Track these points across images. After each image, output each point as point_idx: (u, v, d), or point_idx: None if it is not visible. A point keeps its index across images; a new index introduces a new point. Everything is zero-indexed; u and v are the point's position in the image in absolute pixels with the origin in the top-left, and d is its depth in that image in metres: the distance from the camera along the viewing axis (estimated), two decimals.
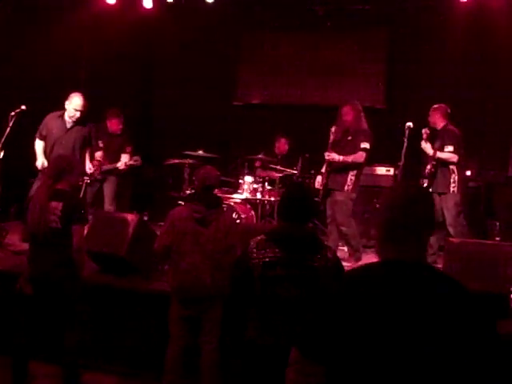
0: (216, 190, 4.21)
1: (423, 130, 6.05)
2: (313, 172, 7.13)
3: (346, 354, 1.74)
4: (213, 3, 8.12)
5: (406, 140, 5.82)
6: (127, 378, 4.74)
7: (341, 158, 6.03)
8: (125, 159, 7.02)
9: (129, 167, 7.01)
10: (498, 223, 7.00)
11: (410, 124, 5.86)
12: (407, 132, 5.83)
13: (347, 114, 6.09)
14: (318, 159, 6.58)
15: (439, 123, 6.13)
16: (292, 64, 9.01)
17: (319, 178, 6.34)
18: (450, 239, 5.04)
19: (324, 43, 8.90)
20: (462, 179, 6.15)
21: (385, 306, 1.71)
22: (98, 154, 6.63)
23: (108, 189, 7.10)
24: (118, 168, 7.00)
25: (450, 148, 5.95)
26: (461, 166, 6.06)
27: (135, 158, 6.99)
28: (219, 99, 9.08)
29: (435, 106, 6.19)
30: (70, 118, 6.14)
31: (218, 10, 8.34)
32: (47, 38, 8.01)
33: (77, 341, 3.95)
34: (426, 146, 6.05)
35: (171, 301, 4.05)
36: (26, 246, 4.02)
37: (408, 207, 1.82)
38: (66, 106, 6.14)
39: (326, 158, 6.12)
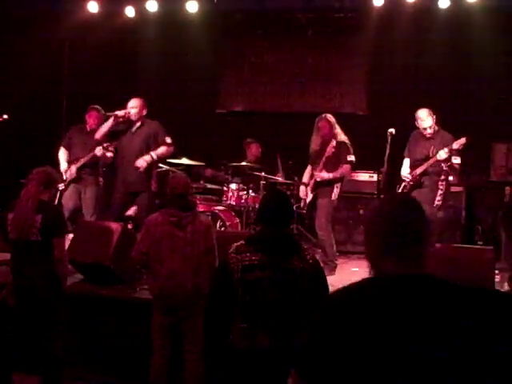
0: (198, 198, 4.21)
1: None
2: (296, 179, 7.14)
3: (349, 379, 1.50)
4: (195, 11, 8.16)
5: (388, 146, 5.85)
6: None
7: (330, 175, 6.05)
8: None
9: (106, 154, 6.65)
10: (480, 227, 7.06)
11: (392, 130, 5.88)
12: (389, 138, 5.85)
13: (324, 127, 6.11)
14: (302, 166, 6.61)
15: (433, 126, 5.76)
16: (275, 71, 9.04)
17: (303, 188, 6.36)
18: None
19: (307, 50, 8.93)
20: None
21: (399, 327, 1.49)
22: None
23: (87, 197, 6.68)
24: (97, 161, 6.67)
25: (458, 160, 5.65)
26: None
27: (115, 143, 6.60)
28: (202, 107, 9.08)
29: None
30: None
31: (200, 18, 8.37)
32: (30, 47, 8.00)
33: (60, 351, 3.92)
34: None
35: (153, 310, 4.04)
36: (5, 255, 3.96)
37: (405, 215, 1.65)
38: None
39: (317, 179, 6.11)
